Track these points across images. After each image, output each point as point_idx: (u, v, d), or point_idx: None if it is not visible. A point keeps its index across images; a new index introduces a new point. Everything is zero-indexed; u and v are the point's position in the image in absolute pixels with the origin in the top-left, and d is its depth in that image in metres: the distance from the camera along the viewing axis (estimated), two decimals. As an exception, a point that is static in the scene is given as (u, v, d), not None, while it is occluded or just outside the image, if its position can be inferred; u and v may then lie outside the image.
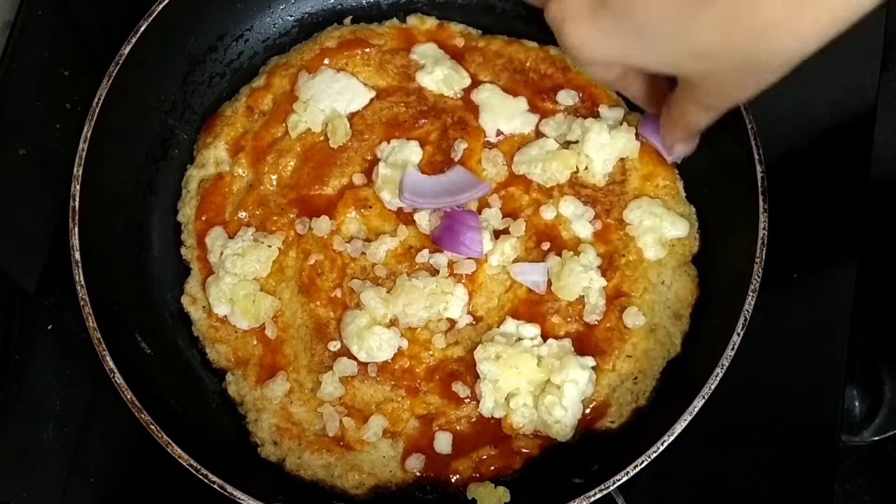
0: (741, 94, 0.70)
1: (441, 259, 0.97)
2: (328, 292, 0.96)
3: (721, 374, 0.86)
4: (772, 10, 0.58)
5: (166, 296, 1.01)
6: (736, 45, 0.61)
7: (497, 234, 0.98)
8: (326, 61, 1.05)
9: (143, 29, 0.97)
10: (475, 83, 1.04)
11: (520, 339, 0.94)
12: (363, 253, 0.98)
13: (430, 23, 1.08)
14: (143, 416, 0.86)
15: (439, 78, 1.04)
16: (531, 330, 0.94)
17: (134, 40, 0.96)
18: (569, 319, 0.95)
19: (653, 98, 0.85)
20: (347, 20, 1.10)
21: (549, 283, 0.96)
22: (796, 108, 1.13)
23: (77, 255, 0.90)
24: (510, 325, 0.95)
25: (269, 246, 0.98)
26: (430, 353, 0.95)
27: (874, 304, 1.08)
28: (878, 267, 1.09)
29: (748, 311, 0.87)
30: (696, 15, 0.60)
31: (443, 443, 0.93)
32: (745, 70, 0.65)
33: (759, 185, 0.91)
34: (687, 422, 0.85)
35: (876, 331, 1.09)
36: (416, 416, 0.94)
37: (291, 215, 0.99)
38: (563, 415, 0.90)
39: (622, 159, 1.01)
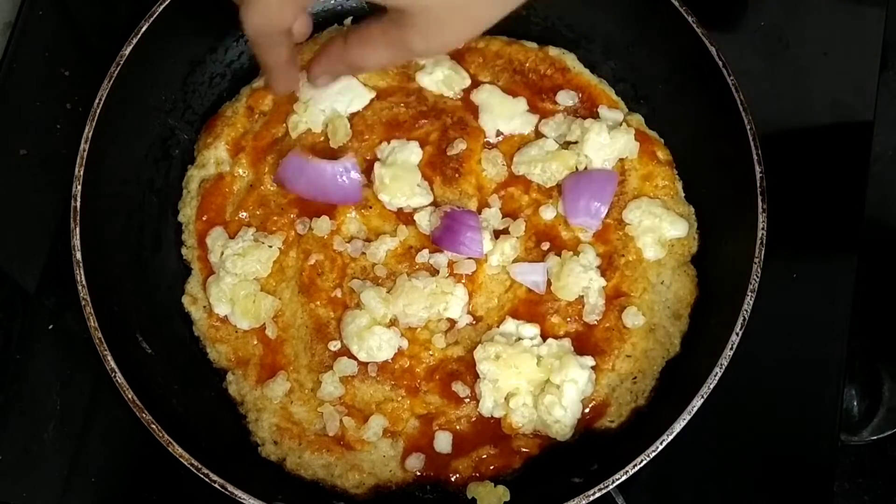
0: (455, 35, 0.69)
1: (441, 259, 0.97)
2: (328, 292, 0.96)
3: (720, 374, 0.86)
4: None
5: (167, 296, 1.01)
6: None
7: (497, 234, 0.99)
8: (327, 62, 1.05)
9: (143, 29, 0.97)
10: (475, 83, 1.04)
11: (519, 338, 0.94)
12: (363, 253, 0.98)
13: (430, 23, 1.08)
14: (143, 415, 0.86)
15: (439, 78, 1.04)
16: (531, 330, 0.94)
17: (135, 41, 0.96)
18: (568, 319, 0.95)
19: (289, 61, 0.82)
20: (347, 20, 1.10)
21: (549, 283, 0.96)
22: (796, 108, 1.13)
23: (78, 255, 0.90)
24: (510, 325, 0.95)
25: (270, 246, 0.98)
26: (430, 352, 0.95)
27: (873, 303, 1.08)
28: (878, 267, 1.10)
29: (747, 311, 0.88)
30: None
31: (443, 442, 0.93)
32: (476, 2, 0.64)
33: (759, 185, 0.91)
34: (686, 421, 0.85)
35: (875, 330, 1.10)
36: (416, 415, 0.94)
37: (292, 215, 0.99)
38: (562, 414, 0.90)
39: (621, 160, 1.01)
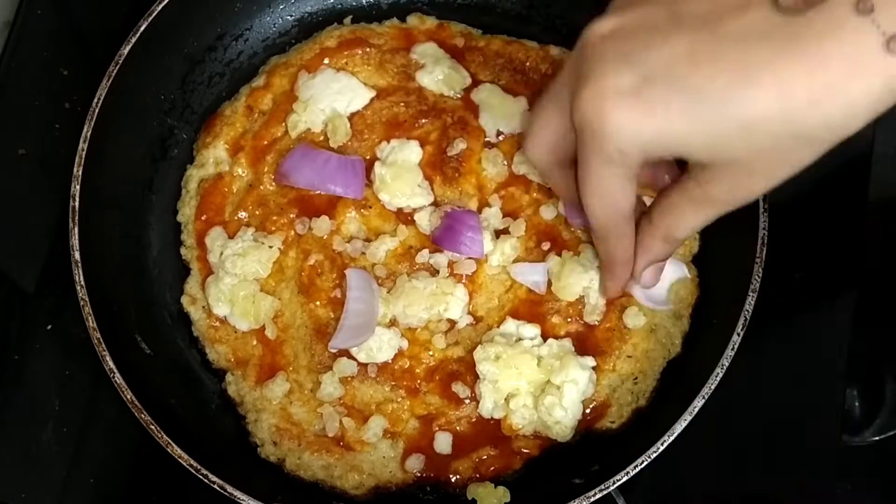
0: (764, 182, 0.65)
1: (441, 259, 0.97)
2: (328, 292, 0.96)
3: (721, 375, 0.86)
4: (827, 74, 0.55)
5: (166, 296, 1.01)
6: (788, 112, 0.56)
7: (497, 234, 0.98)
8: (326, 61, 1.05)
9: (142, 29, 0.97)
10: (475, 83, 1.04)
11: (520, 339, 0.94)
12: (363, 253, 0.98)
13: (430, 22, 1.08)
14: (143, 416, 0.86)
15: (439, 78, 1.04)
16: (531, 330, 0.94)
17: (134, 40, 0.96)
18: (569, 319, 0.95)
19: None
20: (347, 20, 1.10)
21: (550, 284, 0.96)
22: (797, 107, 1.13)
23: (77, 255, 0.90)
24: (510, 326, 0.95)
25: (270, 247, 0.98)
26: (430, 353, 0.95)
27: (875, 304, 1.08)
28: (880, 267, 1.09)
29: (748, 311, 0.87)
30: (756, 79, 0.56)
31: (443, 443, 0.93)
32: (789, 146, 0.60)
33: (760, 184, 0.91)
34: (687, 422, 0.85)
35: (877, 331, 1.09)
36: (416, 416, 0.94)
37: (291, 215, 0.99)
38: (562, 415, 0.90)
39: (622, 159, 1.00)
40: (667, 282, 0.94)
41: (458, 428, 0.93)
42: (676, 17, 0.60)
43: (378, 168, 0.99)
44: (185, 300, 1.00)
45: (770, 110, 0.57)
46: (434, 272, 0.97)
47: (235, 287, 0.97)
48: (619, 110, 0.61)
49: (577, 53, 0.67)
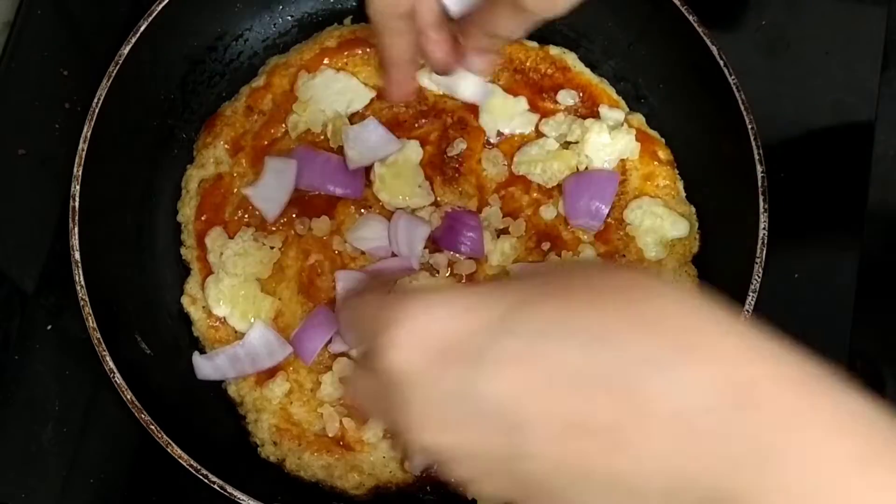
0: None
1: (441, 259, 0.97)
2: (328, 292, 0.96)
3: (721, 375, 0.86)
4: None
5: (166, 296, 1.01)
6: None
7: (497, 234, 0.98)
8: (326, 61, 1.05)
9: (142, 29, 0.96)
10: (475, 83, 1.04)
11: (520, 339, 0.93)
12: (363, 253, 0.98)
13: (430, 22, 1.08)
14: (143, 416, 0.86)
15: (439, 78, 1.03)
16: (531, 330, 0.94)
17: (133, 40, 0.96)
18: (569, 319, 0.95)
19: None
20: (347, 20, 1.09)
21: (550, 284, 0.96)
22: (796, 108, 1.13)
23: (77, 255, 0.90)
24: (510, 325, 0.94)
25: (272, 247, 0.98)
26: (430, 353, 0.95)
27: (875, 303, 1.08)
28: (879, 267, 1.09)
29: (748, 311, 0.87)
30: None
31: (443, 443, 0.93)
32: None
33: (760, 184, 0.91)
34: (687, 422, 0.85)
35: (877, 331, 1.09)
36: (416, 416, 0.94)
37: (292, 215, 0.99)
38: (563, 415, 0.90)
39: (622, 160, 1.01)
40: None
41: (458, 428, 0.93)
42: None
43: (378, 168, 0.99)
44: (185, 300, 1.00)
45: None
46: (434, 272, 0.97)
47: (235, 287, 0.97)
48: None
49: None
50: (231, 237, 0.99)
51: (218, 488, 0.84)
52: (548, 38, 1.07)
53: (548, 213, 0.99)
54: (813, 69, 1.14)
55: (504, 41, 0.75)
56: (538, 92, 1.04)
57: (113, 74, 0.95)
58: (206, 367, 0.95)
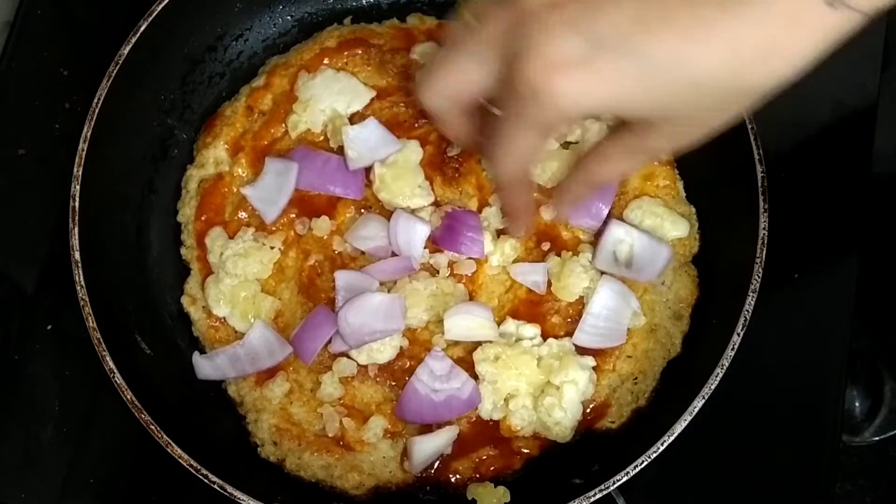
0: (700, 131, 0.68)
1: (441, 259, 0.97)
2: (328, 293, 0.96)
3: (721, 375, 0.86)
4: (773, 29, 0.56)
5: (166, 296, 1.01)
6: (736, 70, 0.58)
7: (497, 234, 0.98)
8: (326, 61, 1.05)
9: (142, 29, 0.96)
10: (475, 83, 1.04)
11: (519, 339, 0.94)
12: (363, 253, 0.98)
13: (430, 22, 1.08)
14: (143, 416, 0.86)
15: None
16: (531, 330, 0.94)
17: (133, 40, 0.96)
18: (569, 320, 0.95)
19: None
20: (347, 20, 1.09)
21: (549, 284, 0.96)
22: (796, 108, 1.13)
23: (77, 256, 0.90)
24: (510, 326, 0.94)
25: (272, 247, 0.98)
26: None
27: (875, 303, 1.08)
28: (879, 266, 1.09)
29: (748, 311, 0.87)
30: (705, 39, 0.57)
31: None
32: (726, 100, 0.63)
33: (759, 185, 0.91)
34: (687, 422, 0.85)
35: (877, 331, 1.09)
36: (416, 416, 0.94)
37: (291, 215, 0.99)
38: (562, 416, 0.90)
39: (622, 159, 1.00)
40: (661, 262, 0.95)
41: (458, 428, 0.93)
42: None
43: (378, 168, 0.98)
44: (185, 300, 1.00)
45: (719, 69, 0.59)
46: (434, 272, 0.97)
47: (236, 288, 0.97)
48: (570, 80, 0.61)
49: (510, 17, 0.64)
50: (231, 237, 0.99)
51: (218, 488, 0.84)
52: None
53: (548, 213, 0.99)
54: (813, 69, 1.14)
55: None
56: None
57: (113, 75, 0.95)
58: (206, 367, 0.95)
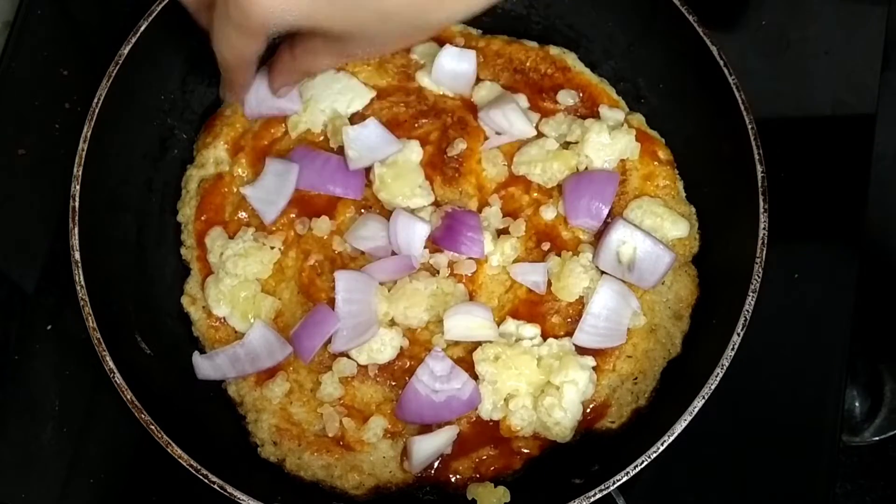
0: (386, 47, 0.80)
1: (441, 259, 0.97)
2: (328, 293, 0.96)
3: (721, 375, 0.86)
4: None
5: (166, 296, 1.01)
6: (418, 8, 0.69)
7: (498, 234, 0.98)
8: (326, 61, 1.05)
9: (142, 29, 0.96)
10: (475, 82, 1.04)
11: (519, 339, 0.94)
12: (363, 253, 0.98)
13: (430, 22, 1.08)
14: (142, 416, 0.86)
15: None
16: (531, 330, 0.94)
17: (134, 40, 0.96)
18: (569, 320, 0.95)
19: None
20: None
21: (549, 284, 0.96)
22: (798, 107, 1.13)
23: (77, 256, 0.90)
24: (510, 326, 0.94)
25: (272, 247, 0.98)
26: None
27: (875, 304, 1.08)
28: (879, 267, 1.09)
29: (748, 311, 0.87)
30: None
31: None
32: (411, 30, 0.74)
33: (759, 185, 0.91)
34: (687, 422, 0.85)
35: (876, 331, 1.09)
36: (416, 416, 0.94)
37: (291, 215, 0.99)
38: (562, 416, 0.90)
39: (622, 160, 1.00)
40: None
41: (458, 428, 0.93)
42: None
43: (378, 168, 0.98)
44: (185, 300, 1.00)
45: (404, 6, 0.70)
46: (434, 272, 0.97)
47: (236, 288, 0.97)
48: None
49: None
50: (231, 237, 0.99)
51: (218, 488, 0.84)
52: (548, 38, 1.07)
53: (548, 213, 0.99)
54: (813, 69, 1.14)
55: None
56: (538, 92, 1.04)
57: (113, 75, 0.95)
58: (206, 366, 0.95)
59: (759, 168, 0.91)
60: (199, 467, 0.85)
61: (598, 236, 0.98)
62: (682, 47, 0.98)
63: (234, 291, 0.97)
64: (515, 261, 0.98)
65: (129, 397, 0.86)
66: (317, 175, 0.98)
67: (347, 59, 0.87)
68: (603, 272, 0.96)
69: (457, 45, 1.06)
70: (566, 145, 1.01)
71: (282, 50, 0.86)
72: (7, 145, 1.11)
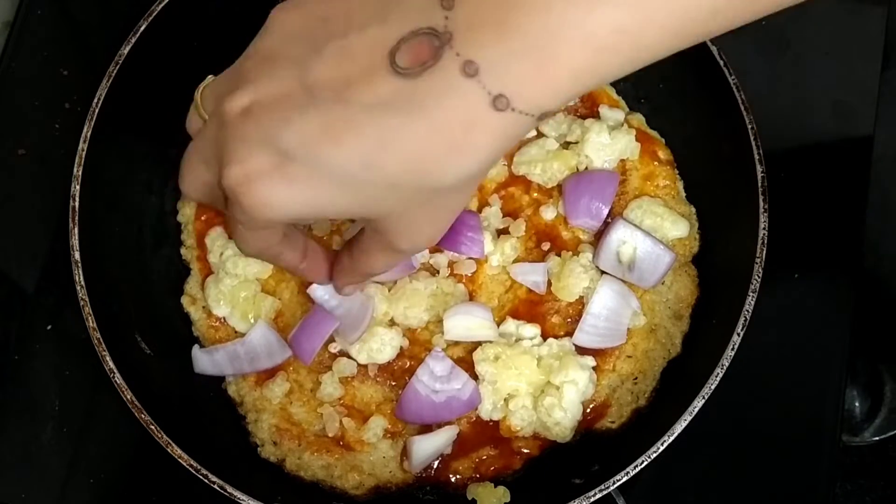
0: (433, 229, 0.70)
1: (441, 259, 0.97)
2: (328, 292, 0.96)
3: (721, 375, 0.86)
4: (449, 133, 0.58)
5: (166, 296, 1.01)
6: (422, 171, 0.60)
7: (497, 234, 0.98)
8: (326, 61, 1.05)
9: (142, 29, 0.96)
10: (475, 83, 1.04)
11: (519, 339, 0.94)
12: (363, 253, 0.98)
13: (430, 22, 1.08)
14: (143, 416, 0.86)
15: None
16: (531, 330, 0.94)
17: (134, 40, 0.96)
18: (569, 320, 0.95)
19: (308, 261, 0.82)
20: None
21: (549, 284, 0.96)
22: (796, 108, 1.13)
23: (77, 256, 0.90)
24: (510, 326, 0.94)
25: (271, 247, 0.98)
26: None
27: (875, 304, 1.08)
28: (879, 267, 1.09)
29: (748, 311, 0.87)
30: (391, 146, 0.58)
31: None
32: (431, 200, 0.64)
33: (759, 185, 0.91)
34: (687, 422, 0.85)
35: (876, 331, 1.09)
36: (416, 416, 0.94)
37: (291, 215, 0.99)
38: (562, 416, 0.90)
39: (622, 160, 1.00)
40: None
41: (458, 428, 0.93)
42: (308, 88, 0.60)
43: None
44: (185, 300, 1.00)
45: (407, 169, 0.60)
46: (434, 272, 0.97)
47: (236, 288, 0.97)
48: (266, 189, 0.61)
49: (216, 122, 0.65)
50: (231, 237, 0.99)
51: (218, 488, 0.84)
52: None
53: (548, 213, 0.99)
54: (813, 69, 1.14)
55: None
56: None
57: (113, 74, 0.95)
58: (204, 361, 0.95)
59: (759, 168, 0.91)
60: (199, 467, 0.85)
61: (598, 236, 0.98)
62: (681, 47, 0.98)
63: (234, 291, 0.97)
64: (515, 261, 0.98)
65: (129, 397, 0.86)
66: None
67: (403, 258, 0.77)
68: (603, 272, 0.96)
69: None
70: (566, 145, 1.01)
71: (341, 254, 0.80)
72: (6, 145, 1.11)
